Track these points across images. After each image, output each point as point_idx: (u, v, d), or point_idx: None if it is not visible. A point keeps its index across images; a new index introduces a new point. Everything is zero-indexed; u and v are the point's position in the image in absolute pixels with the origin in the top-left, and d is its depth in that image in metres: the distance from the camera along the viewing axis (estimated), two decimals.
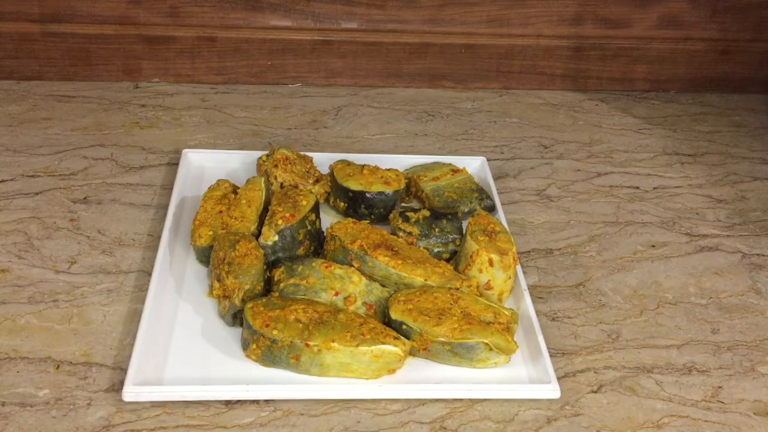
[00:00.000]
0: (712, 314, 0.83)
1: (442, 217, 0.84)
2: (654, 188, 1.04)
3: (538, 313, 0.81)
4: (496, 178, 1.03)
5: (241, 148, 1.04)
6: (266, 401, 0.68)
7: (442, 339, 0.70)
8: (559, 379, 0.73)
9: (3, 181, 0.93)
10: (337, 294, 0.74)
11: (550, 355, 0.76)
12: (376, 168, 0.90)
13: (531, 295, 0.83)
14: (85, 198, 0.92)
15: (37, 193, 0.92)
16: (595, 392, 0.72)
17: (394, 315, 0.71)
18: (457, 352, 0.71)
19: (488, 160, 1.07)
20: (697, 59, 1.27)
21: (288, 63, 1.19)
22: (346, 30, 1.18)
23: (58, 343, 0.72)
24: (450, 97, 1.23)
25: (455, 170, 0.96)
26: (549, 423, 0.69)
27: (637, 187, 1.04)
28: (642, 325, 0.81)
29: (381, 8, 1.16)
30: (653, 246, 0.93)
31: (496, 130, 1.15)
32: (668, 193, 1.03)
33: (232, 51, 1.17)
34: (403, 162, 0.99)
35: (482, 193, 0.93)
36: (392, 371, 0.70)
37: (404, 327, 0.71)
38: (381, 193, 0.87)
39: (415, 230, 0.82)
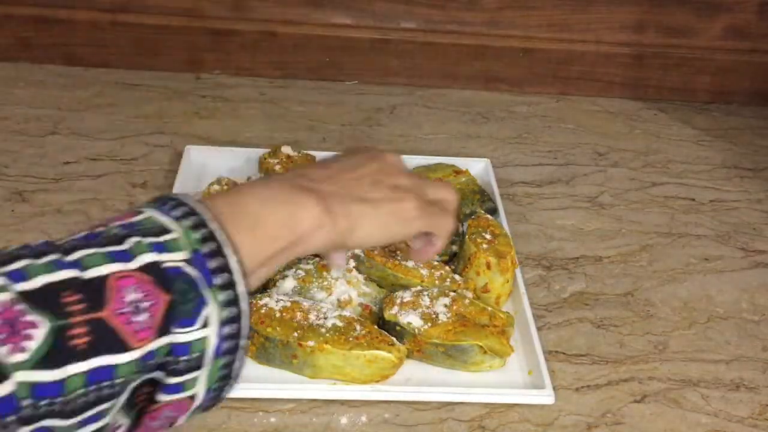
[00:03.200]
0: (764, 331, 0.81)
1: None
2: (711, 201, 1.02)
3: (583, 319, 0.80)
4: (547, 183, 1.02)
5: (296, 142, 1.06)
6: (271, 400, 0.68)
7: (436, 341, 0.69)
8: (601, 386, 0.73)
9: (67, 162, 0.97)
10: (332, 293, 0.74)
11: (594, 363, 0.75)
12: None
13: (577, 301, 0.83)
14: (144, 183, 0.95)
15: (99, 176, 0.95)
16: (638, 402, 0.71)
17: (388, 316, 0.71)
18: (451, 354, 0.70)
19: (540, 165, 1.07)
20: (762, 72, 1.24)
21: (345, 60, 1.21)
22: (405, 29, 1.19)
23: None
24: (505, 101, 1.22)
25: (458, 171, 0.94)
26: (589, 430, 0.68)
27: (693, 199, 1.02)
28: (691, 338, 0.79)
29: (441, 9, 1.17)
30: (707, 259, 0.91)
31: (551, 135, 1.14)
32: (725, 207, 1.01)
33: (292, 46, 1.19)
34: (406, 162, 0.97)
35: (484, 195, 0.92)
36: (385, 377, 0.69)
37: (398, 328, 0.70)
38: None
39: None
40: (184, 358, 0.39)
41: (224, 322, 0.40)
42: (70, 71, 1.17)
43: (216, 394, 0.43)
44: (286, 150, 0.93)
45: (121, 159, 0.99)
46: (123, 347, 0.37)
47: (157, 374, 0.39)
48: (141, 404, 0.41)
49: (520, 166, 1.06)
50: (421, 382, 0.70)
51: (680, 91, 1.26)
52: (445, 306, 0.72)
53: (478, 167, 0.99)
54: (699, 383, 0.74)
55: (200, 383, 0.41)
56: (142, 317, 0.37)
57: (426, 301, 0.72)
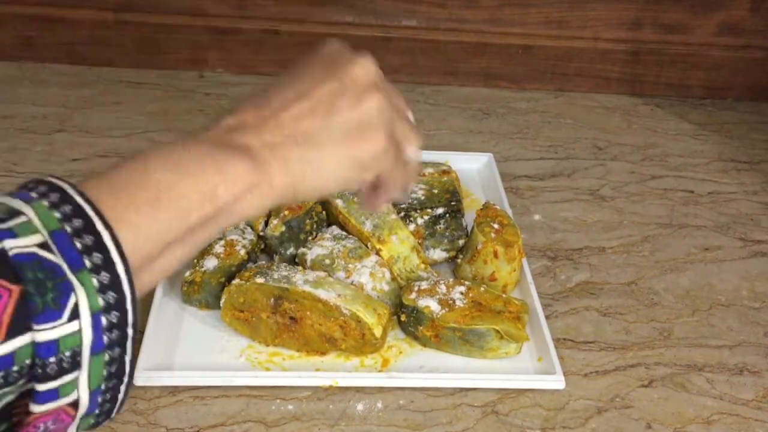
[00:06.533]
0: (765, 318, 0.83)
1: (446, 216, 0.85)
2: (709, 193, 1.04)
3: (589, 308, 0.82)
4: (549, 176, 1.04)
5: None
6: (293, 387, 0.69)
7: (453, 325, 0.71)
8: (609, 372, 0.74)
9: (76, 159, 0.98)
10: (350, 277, 0.76)
11: (601, 349, 0.77)
12: None
13: (582, 290, 0.84)
14: None
15: None
16: (646, 387, 0.73)
17: (407, 300, 0.73)
18: (468, 339, 0.71)
19: (542, 159, 1.09)
20: (756, 68, 1.26)
21: None
22: (406, 27, 1.20)
23: None
24: (505, 97, 1.24)
25: (446, 171, 0.93)
26: (599, 413, 0.70)
27: (692, 191, 1.04)
28: (694, 324, 0.81)
29: (441, 6, 1.18)
30: (707, 249, 0.93)
31: (551, 131, 1.16)
32: (723, 199, 1.03)
33: (294, 44, 1.21)
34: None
35: (454, 197, 0.89)
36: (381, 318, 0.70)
37: (416, 312, 0.72)
38: None
39: (420, 230, 0.84)
40: (53, 359, 0.32)
41: (102, 311, 0.33)
42: (73, 70, 1.18)
43: (110, 396, 0.36)
44: None
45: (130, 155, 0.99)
46: None
47: (27, 384, 0.33)
48: (18, 419, 0.35)
49: (521, 161, 1.08)
50: (434, 370, 0.72)
51: (676, 86, 1.28)
52: (461, 293, 0.73)
53: (481, 161, 1.01)
54: (704, 368, 0.76)
55: (81, 386, 0.34)
56: None
57: (443, 288, 0.73)
